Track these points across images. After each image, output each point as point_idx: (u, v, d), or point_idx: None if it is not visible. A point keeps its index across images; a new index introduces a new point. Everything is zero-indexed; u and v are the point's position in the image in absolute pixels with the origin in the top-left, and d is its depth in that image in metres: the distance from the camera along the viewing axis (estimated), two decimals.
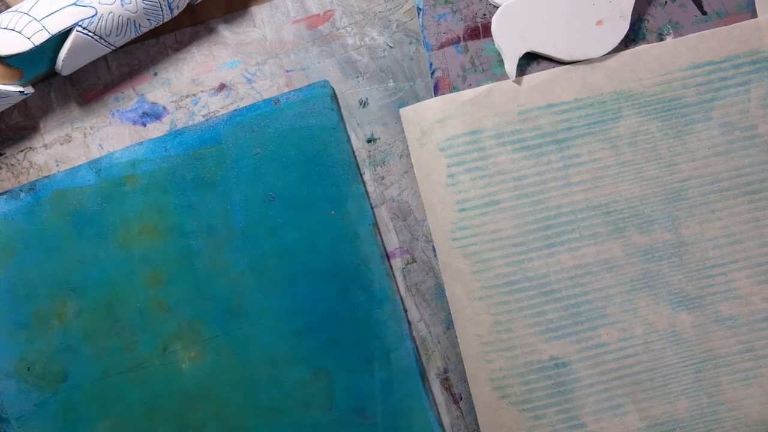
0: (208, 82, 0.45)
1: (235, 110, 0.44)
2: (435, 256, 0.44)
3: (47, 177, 0.45)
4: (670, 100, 0.43)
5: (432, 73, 0.44)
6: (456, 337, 0.44)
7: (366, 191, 0.44)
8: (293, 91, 0.44)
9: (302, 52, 0.44)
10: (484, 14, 0.44)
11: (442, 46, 0.44)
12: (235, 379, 0.44)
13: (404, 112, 0.44)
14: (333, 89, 0.44)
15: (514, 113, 0.43)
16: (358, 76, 0.44)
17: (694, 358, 0.43)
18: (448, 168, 0.43)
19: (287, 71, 0.45)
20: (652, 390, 0.43)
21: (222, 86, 0.45)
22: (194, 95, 0.45)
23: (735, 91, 0.43)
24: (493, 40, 0.43)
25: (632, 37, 0.43)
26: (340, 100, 0.44)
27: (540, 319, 0.43)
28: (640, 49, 0.43)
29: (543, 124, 0.43)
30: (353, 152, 0.44)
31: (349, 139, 0.44)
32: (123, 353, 0.44)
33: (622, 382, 0.43)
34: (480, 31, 0.44)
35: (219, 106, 0.45)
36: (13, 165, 0.45)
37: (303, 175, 0.44)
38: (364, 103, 0.44)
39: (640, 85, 0.43)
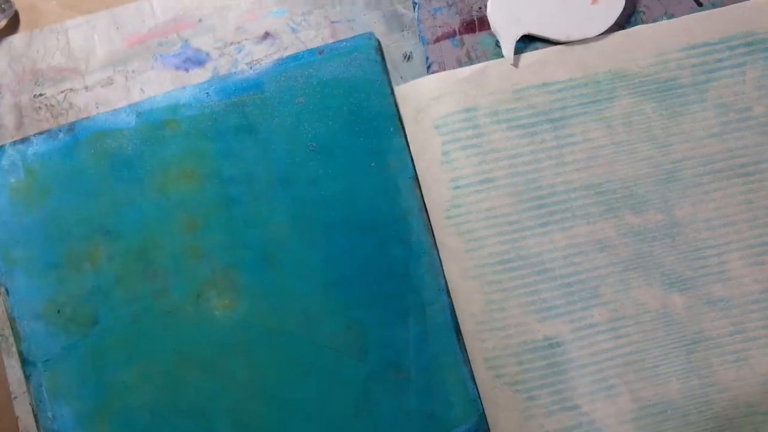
0: (253, 30, 0.45)
1: (279, 59, 0.44)
2: None
3: (87, 118, 0.44)
4: (665, 81, 0.43)
5: (428, 67, 0.44)
6: None
7: (407, 144, 0.44)
8: (338, 42, 0.44)
9: (348, 3, 0.45)
10: (480, 8, 0.44)
11: (438, 40, 0.44)
12: (267, 328, 0.43)
13: (400, 89, 0.44)
14: (378, 41, 0.44)
15: (509, 92, 0.43)
16: (403, 30, 0.44)
17: (685, 339, 0.42)
18: (442, 145, 0.43)
19: (333, 22, 0.45)
20: (643, 371, 0.42)
21: (266, 35, 0.45)
22: (238, 43, 0.45)
23: (730, 72, 0.43)
24: (489, 34, 0.44)
25: (627, 28, 0.44)
26: (384, 53, 0.44)
27: (534, 298, 0.42)
28: (636, 29, 0.43)
29: (537, 103, 0.43)
30: (396, 105, 0.44)
31: (392, 92, 0.44)
32: (155, 298, 0.44)
33: (615, 363, 0.42)
34: (476, 24, 0.44)
35: (263, 54, 0.45)
36: (53, 106, 0.45)
37: (345, 126, 0.44)
38: (408, 57, 0.44)
39: (635, 65, 0.43)
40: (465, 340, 0.43)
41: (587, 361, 0.42)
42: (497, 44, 0.44)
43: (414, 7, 0.44)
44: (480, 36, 0.44)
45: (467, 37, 0.44)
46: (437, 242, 0.43)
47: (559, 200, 0.43)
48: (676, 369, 0.42)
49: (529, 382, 0.42)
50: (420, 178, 0.43)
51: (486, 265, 0.42)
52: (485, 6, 0.44)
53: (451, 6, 0.44)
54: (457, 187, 0.42)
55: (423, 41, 0.43)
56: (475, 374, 0.43)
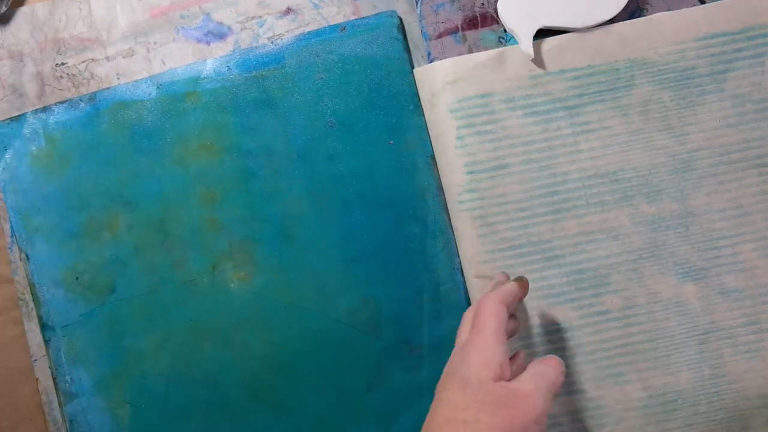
0: (275, 5, 0.45)
1: (300, 34, 0.44)
2: None
3: (108, 89, 0.45)
4: (684, 70, 0.43)
5: (430, 63, 0.44)
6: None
7: (426, 123, 0.44)
8: (360, 19, 0.44)
9: None
10: (483, 3, 0.44)
11: (440, 36, 0.44)
12: (283, 302, 0.44)
13: (418, 72, 0.44)
14: (400, 19, 0.44)
15: (525, 78, 0.43)
16: None
17: (697, 329, 0.42)
18: (457, 130, 0.43)
19: None
20: (654, 360, 0.42)
21: (289, 10, 0.45)
22: (260, 17, 0.45)
23: (748, 63, 0.43)
24: (491, 30, 0.43)
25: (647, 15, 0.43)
26: (406, 32, 0.44)
27: (543, 284, 0.42)
28: (656, 16, 0.43)
29: (554, 90, 0.43)
30: (416, 83, 0.44)
31: (412, 70, 0.44)
32: (172, 269, 0.44)
33: (625, 350, 0.42)
34: (478, 20, 0.44)
35: (284, 29, 0.45)
36: (74, 75, 0.45)
37: (364, 103, 0.44)
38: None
39: (654, 53, 0.43)
40: None
41: (596, 348, 0.42)
42: (500, 40, 0.43)
43: (416, 3, 0.43)
44: (482, 32, 0.43)
45: (470, 33, 0.44)
46: (453, 226, 0.43)
47: (572, 188, 0.43)
48: (687, 359, 0.42)
49: None
50: (438, 163, 0.43)
51: (497, 251, 0.42)
52: (488, 2, 0.43)
53: (453, 2, 0.44)
54: (471, 172, 0.43)
55: (425, 37, 0.43)
56: None
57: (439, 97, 0.43)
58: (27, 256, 0.44)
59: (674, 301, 0.42)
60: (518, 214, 0.43)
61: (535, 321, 0.42)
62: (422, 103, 0.43)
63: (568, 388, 0.42)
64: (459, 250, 0.43)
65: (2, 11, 0.45)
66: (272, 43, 0.44)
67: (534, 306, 0.42)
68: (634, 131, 0.43)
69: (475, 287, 0.43)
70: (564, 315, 0.42)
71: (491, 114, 0.43)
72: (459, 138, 0.43)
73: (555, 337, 0.42)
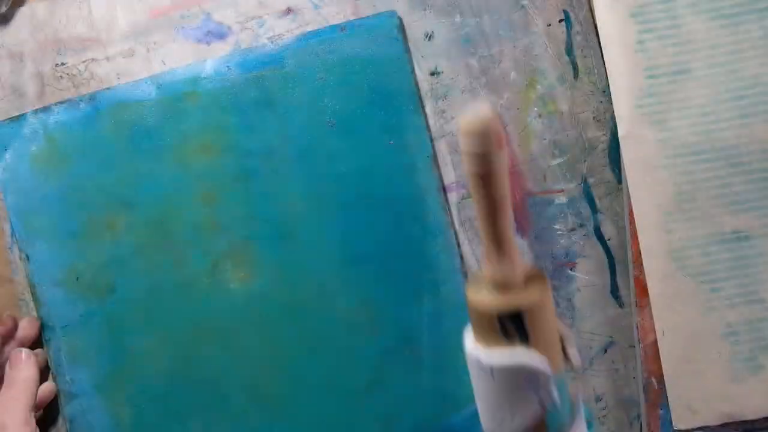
0: (275, 5, 0.45)
1: (300, 34, 0.44)
2: None
3: (108, 89, 0.45)
4: None
5: None
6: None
7: (426, 123, 0.44)
8: (360, 19, 0.44)
9: None
10: None
11: None
12: (282, 302, 0.44)
13: None
14: (400, 19, 0.44)
15: None
16: (425, 9, 0.44)
17: None
18: (637, 34, 0.42)
19: None
20: None
21: (289, 10, 0.45)
22: (260, 17, 0.45)
23: None
24: None
25: None
26: (406, 32, 0.44)
27: (726, 191, 0.42)
28: None
29: None
30: (416, 84, 0.44)
31: (413, 71, 0.44)
32: (172, 269, 0.44)
33: None
34: None
35: (284, 29, 0.44)
36: (74, 75, 0.45)
37: (364, 103, 0.44)
38: (429, 36, 0.44)
39: None
40: (644, 232, 0.42)
41: None
42: None
43: None
44: None
45: None
46: (622, 132, 0.42)
47: (762, 91, 0.42)
48: None
49: (714, 273, 0.42)
50: (608, 68, 0.43)
51: (678, 156, 0.42)
52: None
53: None
54: (651, 77, 0.42)
55: None
56: (651, 266, 0.42)
57: (621, 1, 0.42)
58: (27, 256, 0.44)
59: None
60: (701, 119, 0.42)
61: (715, 228, 0.42)
62: (596, 8, 0.43)
63: (747, 297, 0.42)
64: (625, 157, 0.42)
65: (2, 11, 0.45)
66: (272, 43, 0.44)
67: (716, 213, 0.42)
68: None
69: None
70: (747, 223, 0.42)
71: (674, 18, 0.42)
72: (639, 42, 0.42)
73: (735, 246, 0.42)
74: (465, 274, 0.44)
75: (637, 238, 0.42)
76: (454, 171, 0.44)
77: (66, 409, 0.44)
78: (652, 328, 0.43)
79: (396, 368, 0.43)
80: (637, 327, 0.43)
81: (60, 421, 0.44)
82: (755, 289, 0.42)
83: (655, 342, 0.42)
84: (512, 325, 0.29)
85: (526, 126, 0.44)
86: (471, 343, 0.31)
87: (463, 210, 0.44)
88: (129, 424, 0.44)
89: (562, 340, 0.32)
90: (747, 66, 0.42)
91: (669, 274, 0.42)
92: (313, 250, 0.44)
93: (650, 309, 0.42)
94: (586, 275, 0.44)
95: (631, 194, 0.42)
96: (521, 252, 0.44)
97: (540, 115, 0.44)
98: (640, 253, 0.42)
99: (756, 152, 0.42)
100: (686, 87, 0.42)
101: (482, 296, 0.30)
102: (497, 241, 0.29)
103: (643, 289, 0.43)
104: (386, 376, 0.43)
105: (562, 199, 0.44)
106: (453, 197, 0.44)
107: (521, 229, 0.44)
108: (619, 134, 0.43)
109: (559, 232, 0.44)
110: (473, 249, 0.44)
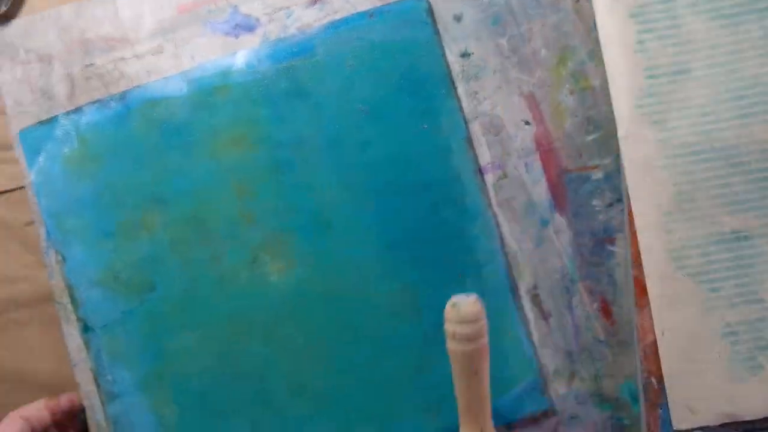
0: None
1: (329, 23, 0.44)
2: (527, 171, 0.44)
3: (138, 87, 0.45)
4: None
5: None
6: (547, 253, 0.43)
7: (459, 105, 0.44)
8: (388, 4, 0.44)
9: None
10: None
11: None
12: (322, 292, 0.43)
13: None
14: (428, 2, 0.44)
15: None
16: None
17: None
18: (637, 34, 0.42)
19: None
20: None
21: None
22: (288, 7, 0.45)
23: None
24: None
25: None
26: (434, 14, 0.44)
27: (725, 191, 0.42)
28: None
29: None
30: (447, 66, 0.44)
31: (443, 53, 0.44)
32: (210, 264, 0.44)
33: None
34: None
35: (312, 19, 0.44)
36: (103, 75, 0.45)
37: (396, 88, 0.44)
38: (458, 18, 0.44)
39: None
40: (643, 232, 0.42)
41: None
42: None
43: None
44: None
45: None
46: (622, 133, 0.42)
47: (762, 91, 0.42)
48: None
49: (713, 273, 0.42)
50: (608, 68, 0.43)
51: (677, 156, 0.42)
52: None
53: None
54: (651, 77, 0.42)
55: None
56: (651, 267, 0.42)
57: (620, 1, 0.42)
58: (63, 257, 0.44)
59: None
60: (701, 119, 0.42)
61: (715, 228, 0.42)
62: (596, 8, 0.43)
63: (746, 297, 0.42)
64: (625, 158, 0.42)
65: (2, 10, 0.45)
66: (301, 32, 0.44)
67: (715, 213, 0.42)
68: None
69: None
70: (747, 223, 0.42)
71: (674, 18, 0.42)
72: (639, 42, 0.42)
73: (735, 246, 0.42)
74: (506, 255, 0.43)
75: (636, 238, 0.42)
76: (489, 152, 0.44)
77: (108, 409, 0.43)
78: (651, 328, 0.42)
79: (439, 354, 0.43)
80: (636, 327, 0.43)
81: (103, 424, 0.44)
82: (755, 289, 0.42)
83: (655, 342, 0.42)
84: None
85: (558, 103, 0.44)
86: None
87: (500, 191, 0.44)
88: (172, 423, 0.43)
89: None
90: (747, 66, 0.42)
91: (668, 274, 0.42)
92: (350, 238, 0.44)
93: (649, 309, 0.42)
94: (626, 249, 0.44)
95: (630, 194, 0.42)
96: (559, 231, 0.44)
97: (572, 92, 0.44)
98: (639, 253, 0.42)
99: (756, 152, 0.42)
100: (686, 87, 0.42)
101: None
102: (477, 420, 0.37)
103: (642, 289, 0.43)
104: (430, 362, 0.43)
105: (598, 174, 0.44)
106: (489, 178, 0.44)
107: (559, 207, 0.44)
108: (619, 134, 0.43)
109: (597, 208, 0.44)
110: (512, 229, 0.44)
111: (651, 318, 0.42)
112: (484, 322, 0.36)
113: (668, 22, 0.42)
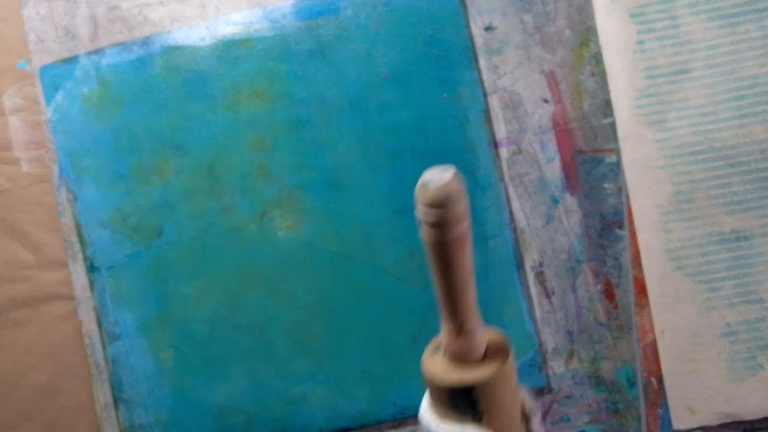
0: None
1: None
2: (542, 149, 0.44)
3: (161, 33, 0.45)
4: None
5: None
6: (555, 231, 0.44)
7: (480, 78, 0.44)
8: None
9: None
10: None
11: None
12: (330, 251, 0.44)
13: None
14: None
15: None
16: None
17: None
18: (637, 35, 0.42)
19: None
20: None
21: None
22: None
23: None
24: None
25: None
26: None
27: (724, 191, 0.42)
28: None
29: None
30: (470, 38, 0.44)
31: (467, 25, 0.44)
32: (221, 215, 0.44)
33: None
34: None
35: None
36: (127, 18, 0.45)
37: (418, 55, 0.44)
38: None
39: None
40: (642, 232, 0.42)
41: None
42: None
43: None
44: None
45: None
46: (621, 132, 0.43)
47: (761, 91, 0.42)
48: None
49: (713, 273, 0.42)
50: (608, 68, 0.43)
51: (676, 156, 0.42)
52: None
53: None
54: (650, 77, 0.42)
55: None
56: (650, 267, 0.42)
57: (619, 2, 0.42)
58: (75, 196, 0.44)
59: None
60: (700, 119, 0.42)
61: (714, 228, 0.42)
62: (596, 8, 0.43)
63: (746, 297, 0.42)
64: (625, 157, 0.42)
65: None
66: None
67: (714, 213, 0.42)
68: None
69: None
70: (746, 223, 0.42)
71: (674, 19, 0.42)
72: (638, 43, 0.42)
73: (734, 245, 0.42)
74: (514, 230, 0.44)
75: (636, 237, 0.43)
76: (506, 127, 0.44)
77: (109, 349, 0.44)
78: (651, 328, 0.43)
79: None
80: (636, 327, 0.43)
81: (102, 363, 0.44)
82: (754, 289, 0.42)
83: (654, 342, 0.42)
84: (464, 401, 0.28)
85: (578, 84, 0.44)
86: (425, 406, 0.29)
87: (513, 166, 0.44)
88: (171, 367, 0.44)
89: (524, 413, 0.30)
90: (746, 66, 0.42)
91: (668, 274, 0.42)
92: (362, 200, 0.44)
93: (649, 309, 0.43)
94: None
95: (630, 194, 0.43)
96: (569, 211, 0.44)
97: (593, 74, 0.44)
98: (639, 253, 0.43)
99: (754, 152, 0.42)
100: (685, 87, 0.42)
101: (436, 367, 0.28)
102: (455, 315, 0.28)
103: (642, 289, 0.43)
104: (431, 329, 0.43)
105: (612, 158, 0.44)
106: (504, 153, 0.44)
107: (570, 187, 0.44)
108: (618, 134, 0.43)
109: (608, 191, 0.44)
110: (522, 205, 0.44)
111: (651, 318, 0.42)
112: (461, 206, 0.27)
113: (667, 22, 0.42)
